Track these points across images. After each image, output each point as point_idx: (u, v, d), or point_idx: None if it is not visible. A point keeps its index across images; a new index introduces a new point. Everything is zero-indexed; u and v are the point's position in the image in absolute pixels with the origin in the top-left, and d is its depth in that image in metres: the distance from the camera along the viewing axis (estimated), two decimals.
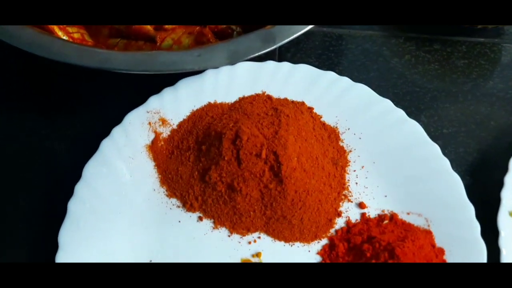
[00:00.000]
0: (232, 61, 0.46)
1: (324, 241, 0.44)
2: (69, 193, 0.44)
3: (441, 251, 0.42)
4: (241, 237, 0.44)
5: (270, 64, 0.51)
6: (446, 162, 0.45)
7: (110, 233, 0.43)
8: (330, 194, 0.45)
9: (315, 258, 0.43)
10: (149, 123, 0.48)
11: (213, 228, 0.44)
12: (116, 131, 0.47)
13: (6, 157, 0.50)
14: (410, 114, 0.49)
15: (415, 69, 0.56)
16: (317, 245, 0.44)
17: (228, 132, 0.44)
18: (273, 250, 0.43)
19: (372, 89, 0.50)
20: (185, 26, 0.51)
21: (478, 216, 0.43)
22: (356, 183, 0.46)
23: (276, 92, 0.50)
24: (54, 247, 0.42)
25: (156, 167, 0.47)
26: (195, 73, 0.49)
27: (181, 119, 0.49)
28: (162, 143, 0.48)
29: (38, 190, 0.48)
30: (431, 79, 0.56)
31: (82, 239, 0.42)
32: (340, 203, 0.45)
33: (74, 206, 0.43)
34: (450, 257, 0.42)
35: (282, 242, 0.44)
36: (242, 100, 0.49)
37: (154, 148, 0.47)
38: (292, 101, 0.50)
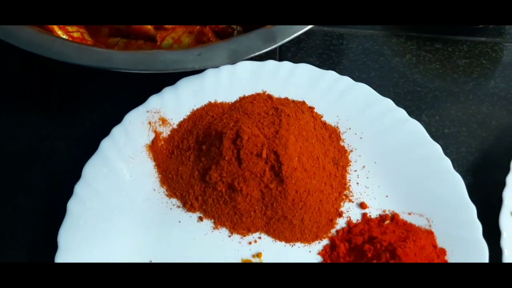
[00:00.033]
0: (233, 60, 0.46)
1: (325, 241, 0.44)
2: (69, 193, 0.44)
3: (443, 251, 0.42)
4: (241, 238, 0.44)
5: (271, 63, 0.51)
6: (447, 162, 0.45)
7: (109, 233, 0.43)
8: (331, 194, 0.45)
9: (316, 259, 0.43)
10: (149, 123, 0.48)
11: (214, 228, 0.44)
12: (116, 131, 0.47)
13: (6, 157, 0.50)
14: (411, 114, 0.48)
15: (416, 68, 0.56)
16: (318, 245, 0.44)
17: (229, 131, 0.44)
18: (273, 251, 0.43)
19: (373, 89, 0.50)
20: (185, 25, 0.51)
21: (479, 217, 0.43)
22: (357, 183, 0.46)
23: (277, 91, 0.50)
24: (54, 247, 0.42)
25: (156, 167, 0.47)
26: (196, 73, 0.49)
27: (181, 119, 0.49)
28: (162, 142, 0.47)
29: (38, 190, 0.48)
30: (432, 79, 0.55)
31: (82, 240, 0.42)
32: (341, 203, 0.45)
33: (73, 206, 0.43)
34: (452, 258, 0.42)
35: (283, 243, 0.44)
36: (242, 99, 0.49)
37: (154, 147, 0.47)
38: (293, 101, 0.50)
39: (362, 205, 0.45)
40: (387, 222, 0.44)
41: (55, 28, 0.48)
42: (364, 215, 0.45)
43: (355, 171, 0.47)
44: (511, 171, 0.45)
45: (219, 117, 0.47)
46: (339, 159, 0.47)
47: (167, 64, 0.45)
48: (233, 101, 0.49)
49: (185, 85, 0.49)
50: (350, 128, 0.49)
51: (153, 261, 0.43)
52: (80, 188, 0.44)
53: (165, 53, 0.46)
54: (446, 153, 0.46)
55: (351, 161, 0.47)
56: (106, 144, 0.46)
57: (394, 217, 0.44)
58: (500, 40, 0.58)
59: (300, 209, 0.43)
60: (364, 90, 0.50)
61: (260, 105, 0.48)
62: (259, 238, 0.44)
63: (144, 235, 0.44)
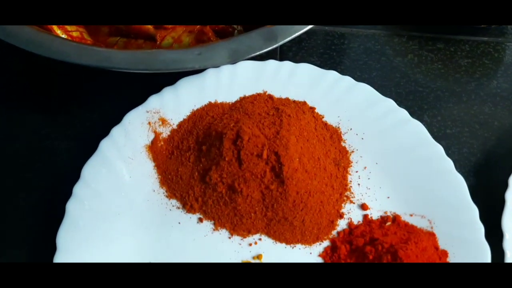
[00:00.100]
0: (233, 60, 0.46)
1: (326, 243, 0.43)
2: (69, 193, 0.44)
3: (445, 253, 0.42)
4: (241, 239, 0.44)
5: (272, 63, 0.51)
6: (449, 163, 0.45)
7: (109, 234, 0.43)
8: (332, 195, 0.45)
9: (316, 260, 0.43)
10: (149, 123, 0.48)
11: (214, 230, 0.44)
12: (116, 131, 0.46)
13: (6, 157, 0.50)
14: (413, 114, 0.48)
15: (418, 68, 0.56)
16: (318, 247, 0.43)
17: (229, 132, 0.44)
18: (274, 252, 0.43)
19: (375, 89, 0.49)
20: (185, 25, 0.51)
21: (482, 218, 0.42)
22: (358, 184, 0.46)
23: (278, 91, 0.50)
24: (53, 248, 0.42)
25: (155, 168, 0.46)
26: (196, 72, 0.49)
27: (181, 119, 0.48)
28: (162, 143, 0.47)
29: (38, 190, 0.48)
30: (434, 79, 0.55)
31: (81, 241, 0.42)
32: (342, 205, 0.45)
33: (72, 207, 0.43)
34: (454, 260, 0.42)
35: (283, 244, 0.43)
36: (243, 99, 0.49)
37: (154, 148, 0.47)
38: (294, 101, 0.49)
39: (363, 207, 0.45)
40: (388, 223, 0.44)
41: (54, 27, 0.48)
42: (365, 216, 0.45)
43: (356, 172, 0.47)
44: None
45: (219, 118, 0.47)
46: (340, 160, 0.47)
47: (167, 63, 0.44)
48: (233, 101, 0.49)
49: (185, 85, 0.49)
50: (351, 129, 0.48)
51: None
52: (79, 189, 0.44)
53: (165, 53, 0.46)
54: (448, 153, 0.46)
55: (352, 162, 0.47)
56: (105, 145, 0.46)
57: (395, 218, 0.44)
58: (503, 40, 0.58)
59: (300, 211, 0.43)
60: (365, 90, 0.49)
61: (261, 105, 0.48)
62: (260, 239, 0.44)
63: (143, 236, 0.43)
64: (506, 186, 0.44)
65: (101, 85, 0.53)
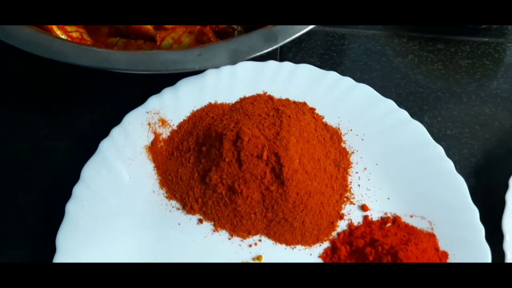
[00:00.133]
0: (233, 61, 0.46)
1: (326, 244, 0.43)
2: (69, 194, 0.44)
3: (445, 254, 0.42)
4: (241, 240, 0.43)
5: (272, 64, 0.50)
6: (450, 164, 0.45)
7: (108, 235, 0.43)
8: (332, 196, 0.44)
9: (316, 261, 0.43)
10: (149, 124, 0.47)
11: (214, 231, 0.44)
12: (116, 132, 0.46)
13: (5, 157, 0.50)
14: (413, 115, 0.48)
15: (418, 69, 0.56)
16: (319, 248, 0.43)
17: (229, 133, 0.43)
18: (274, 253, 0.43)
19: (375, 90, 0.49)
20: (185, 25, 0.50)
21: (482, 219, 0.42)
22: (359, 185, 0.46)
23: (278, 92, 0.50)
24: (53, 248, 0.41)
25: (155, 169, 0.46)
26: (196, 73, 0.49)
27: (181, 120, 0.48)
28: (162, 144, 0.47)
29: (38, 190, 0.48)
30: (435, 79, 0.55)
31: (80, 242, 0.42)
32: (342, 206, 0.45)
33: (72, 208, 0.43)
34: (454, 261, 0.41)
35: (283, 245, 0.43)
36: (243, 100, 0.49)
37: (153, 149, 0.47)
38: (294, 102, 0.49)
39: (363, 208, 0.45)
40: (388, 224, 0.44)
41: (54, 28, 0.48)
42: (365, 217, 0.44)
43: (357, 173, 0.46)
44: None
45: (219, 118, 0.47)
46: (340, 160, 0.47)
47: (167, 64, 0.44)
48: (233, 102, 0.49)
49: (185, 85, 0.49)
50: (351, 130, 0.48)
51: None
52: (79, 190, 0.44)
53: (165, 53, 0.45)
54: (449, 154, 0.46)
55: (352, 163, 0.47)
56: (105, 145, 0.46)
57: (395, 219, 0.44)
58: (503, 41, 0.58)
59: (301, 212, 0.43)
60: (365, 91, 0.49)
61: (261, 106, 0.48)
62: (260, 240, 0.44)
63: (143, 237, 0.43)
64: (506, 187, 0.44)
65: (101, 85, 0.53)
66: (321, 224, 0.44)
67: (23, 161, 0.49)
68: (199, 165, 0.45)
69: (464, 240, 0.42)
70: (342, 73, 0.51)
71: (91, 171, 0.44)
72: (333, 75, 0.50)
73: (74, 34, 0.49)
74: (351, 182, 0.46)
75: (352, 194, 0.45)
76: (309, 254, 0.43)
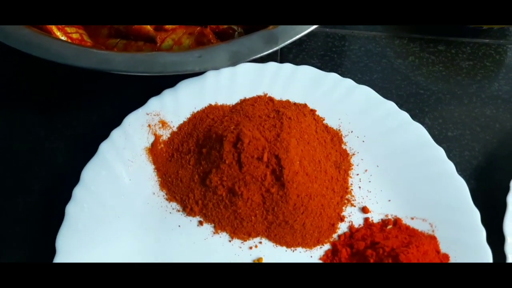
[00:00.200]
0: (234, 62, 0.46)
1: (327, 246, 0.43)
2: (68, 195, 0.43)
3: (446, 257, 0.42)
4: (242, 242, 0.43)
5: (272, 65, 0.50)
6: (451, 166, 0.45)
7: (108, 237, 0.43)
8: (332, 198, 0.44)
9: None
10: (149, 125, 0.47)
11: (214, 233, 0.44)
12: (116, 134, 0.46)
13: (5, 158, 0.50)
14: (414, 117, 0.48)
15: (419, 70, 0.56)
16: (319, 250, 0.43)
17: (229, 134, 0.43)
18: (274, 256, 0.43)
19: (376, 91, 0.49)
20: (185, 26, 0.50)
21: (483, 221, 0.42)
22: (359, 187, 0.46)
23: (278, 94, 0.49)
24: (53, 250, 0.41)
25: (155, 170, 0.46)
26: (196, 75, 0.49)
27: (182, 121, 0.48)
28: (162, 145, 0.47)
29: (37, 191, 0.48)
30: (436, 81, 0.55)
31: (80, 244, 0.42)
32: (343, 208, 0.45)
33: (72, 210, 0.43)
34: None
35: (284, 248, 0.43)
36: (243, 102, 0.49)
37: (153, 151, 0.47)
38: (294, 103, 0.49)
39: (364, 210, 0.45)
40: (389, 227, 0.44)
41: (54, 29, 0.47)
42: (366, 219, 0.44)
43: (357, 175, 0.46)
44: None
45: (220, 120, 0.47)
46: (341, 162, 0.46)
47: (167, 66, 0.44)
48: (233, 103, 0.49)
49: (185, 87, 0.49)
50: (352, 131, 0.48)
51: None
52: (78, 192, 0.43)
53: (165, 55, 0.45)
54: (450, 156, 0.45)
55: (353, 165, 0.47)
56: (105, 147, 0.45)
57: (396, 221, 0.44)
58: (504, 42, 0.58)
59: (301, 214, 0.43)
60: (366, 93, 0.49)
61: (261, 108, 0.47)
62: (260, 243, 0.43)
63: (143, 239, 0.43)
64: (507, 189, 0.44)
65: (101, 86, 0.53)
66: (322, 226, 0.43)
67: (22, 162, 0.49)
68: (199, 167, 0.45)
69: (465, 242, 0.42)
70: (343, 74, 0.51)
71: (91, 173, 0.44)
72: (333, 76, 0.50)
73: (74, 36, 0.49)
74: (351, 184, 0.46)
75: (353, 196, 0.45)
76: (310, 256, 0.43)
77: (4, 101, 0.53)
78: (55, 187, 0.48)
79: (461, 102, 0.54)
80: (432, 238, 0.42)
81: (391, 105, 0.48)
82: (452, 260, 0.41)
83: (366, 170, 0.46)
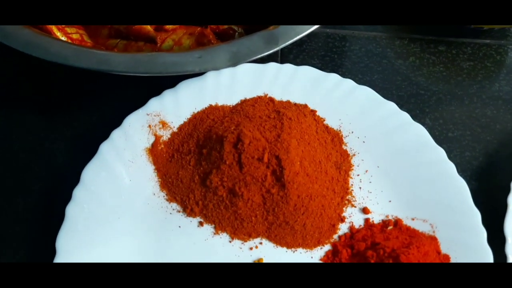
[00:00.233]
0: (234, 63, 0.46)
1: (327, 247, 0.43)
2: (68, 196, 0.43)
3: (447, 257, 0.42)
4: (242, 243, 0.43)
5: (273, 65, 0.50)
6: (451, 167, 0.45)
7: (108, 238, 0.43)
8: (333, 199, 0.44)
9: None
10: (149, 126, 0.47)
11: (214, 234, 0.44)
12: (116, 134, 0.46)
13: (4, 159, 0.50)
14: (414, 117, 0.48)
15: (419, 71, 0.55)
16: (320, 251, 0.43)
17: (230, 135, 0.43)
18: (275, 256, 0.43)
19: (376, 92, 0.49)
20: (186, 26, 0.50)
21: (484, 222, 0.42)
22: (360, 187, 0.46)
23: (279, 94, 0.49)
24: (53, 251, 0.41)
25: (156, 171, 0.46)
26: (196, 75, 0.49)
27: (182, 122, 0.48)
28: (162, 146, 0.47)
29: (37, 191, 0.48)
30: (436, 81, 0.55)
31: (80, 244, 0.42)
32: (344, 208, 0.45)
33: (72, 210, 0.43)
34: None
35: (284, 248, 0.43)
36: (243, 102, 0.49)
37: (154, 151, 0.47)
38: (295, 104, 0.49)
39: (364, 210, 0.45)
40: (390, 227, 0.44)
41: (54, 29, 0.47)
42: (366, 220, 0.44)
43: (358, 175, 0.46)
44: None
45: (220, 121, 0.47)
46: (342, 163, 0.46)
47: (167, 66, 0.44)
48: (234, 104, 0.49)
49: (186, 87, 0.49)
50: (352, 132, 0.48)
51: None
52: (78, 192, 0.43)
53: (165, 56, 0.45)
54: (450, 157, 0.45)
55: (353, 165, 0.47)
56: (105, 148, 0.45)
57: (397, 222, 0.44)
58: (505, 43, 0.58)
59: (302, 214, 0.43)
60: (367, 93, 0.49)
61: (262, 108, 0.47)
62: (260, 243, 0.43)
63: (143, 240, 0.43)
64: (508, 189, 0.44)
65: (101, 87, 0.53)
66: (322, 227, 0.43)
67: (22, 162, 0.49)
68: (199, 167, 0.45)
69: (466, 243, 0.42)
70: (343, 75, 0.51)
71: (91, 173, 0.44)
72: (334, 77, 0.50)
73: (74, 36, 0.49)
74: (352, 185, 0.46)
75: (353, 196, 0.45)
76: (310, 257, 0.43)
77: (4, 101, 0.53)
78: (55, 187, 0.48)
79: (462, 102, 0.53)
80: (433, 239, 0.42)
81: (392, 105, 0.48)
82: (453, 260, 0.41)
83: (366, 171, 0.46)
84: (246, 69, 0.50)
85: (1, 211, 0.47)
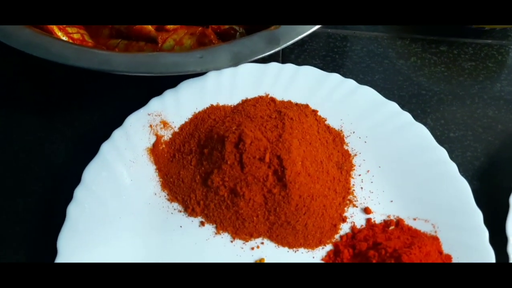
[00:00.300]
0: (235, 63, 0.46)
1: (329, 247, 0.43)
2: (69, 196, 0.43)
3: (448, 257, 0.41)
4: (244, 243, 0.43)
5: (274, 65, 0.50)
6: (453, 167, 0.45)
7: (109, 238, 0.42)
8: (334, 199, 0.44)
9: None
10: (150, 126, 0.47)
11: (215, 234, 0.44)
12: (117, 134, 0.46)
13: (4, 159, 0.49)
14: (416, 117, 0.48)
15: (421, 71, 0.55)
16: (321, 251, 0.43)
17: (231, 135, 0.43)
18: (276, 256, 0.43)
19: (378, 92, 0.49)
20: (187, 26, 0.50)
21: (486, 222, 0.42)
22: (361, 187, 0.46)
23: (280, 94, 0.49)
24: (54, 251, 0.41)
25: (157, 171, 0.46)
26: (197, 75, 0.49)
27: (183, 122, 0.48)
28: (164, 146, 0.47)
29: (38, 192, 0.48)
30: (438, 82, 0.55)
31: (81, 244, 0.42)
32: (345, 208, 0.45)
33: (73, 210, 0.43)
34: None
35: (286, 248, 0.43)
36: (245, 102, 0.49)
37: (155, 151, 0.46)
38: (296, 104, 0.49)
39: (366, 210, 0.45)
40: (391, 227, 0.44)
41: (55, 29, 0.47)
42: (368, 220, 0.44)
43: (359, 175, 0.46)
44: None
45: (221, 121, 0.47)
46: (343, 163, 0.46)
47: (168, 66, 0.44)
48: (235, 104, 0.49)
49: (187, 87, 0.49)
50: (354, 132, 0.48)
51: None
52: (80, 192, 0.43)
53: (166, 56, 0.45)
54: (452, 157, 0.45)
55: (355, 166, 0.47)
56: (106, 148, 0.45)
57: (399, 222, 0.44)
58: (506, 43, 0.58)
59: (303, 214, 0.43)
60: (368, 93, 0.49)
61: (263, 108, 0.47)
62: (262, 243, 0.43)
63: (144, 240, 0.43)
64: (510, 190, 0.44)
65: (102, 87, 0.53)
66: (324, 227, 0.43)
67: (23, 163, 0.49)
68: (201, 167, 0.45)
69: (467, 243, 0.42)
70: (345, 75, 0.50)
71: (92, 173, 0.44)
72: (335, 77, 0.50)
73: (75, 36, 0.49)
74: (353, 185, 0.46)
75: (355, 196, 0.45)
76: (312, 257, 0.43)
77: (4, 101, 0.53)
78: (56, 187, 0.48)
79: (463, 103, 0.53)
80: (435, 239, 0.42)
81: (393, 105, 0.48)
82: (455, 260, 0.41)
83: (368, 171, 0.46)
84: (247, 69, 0.50)
85: (1, 211, 0.47)
